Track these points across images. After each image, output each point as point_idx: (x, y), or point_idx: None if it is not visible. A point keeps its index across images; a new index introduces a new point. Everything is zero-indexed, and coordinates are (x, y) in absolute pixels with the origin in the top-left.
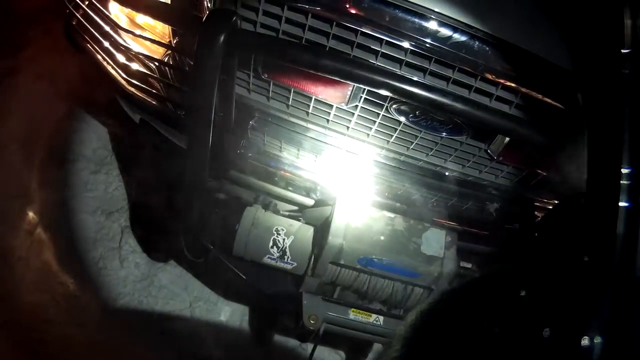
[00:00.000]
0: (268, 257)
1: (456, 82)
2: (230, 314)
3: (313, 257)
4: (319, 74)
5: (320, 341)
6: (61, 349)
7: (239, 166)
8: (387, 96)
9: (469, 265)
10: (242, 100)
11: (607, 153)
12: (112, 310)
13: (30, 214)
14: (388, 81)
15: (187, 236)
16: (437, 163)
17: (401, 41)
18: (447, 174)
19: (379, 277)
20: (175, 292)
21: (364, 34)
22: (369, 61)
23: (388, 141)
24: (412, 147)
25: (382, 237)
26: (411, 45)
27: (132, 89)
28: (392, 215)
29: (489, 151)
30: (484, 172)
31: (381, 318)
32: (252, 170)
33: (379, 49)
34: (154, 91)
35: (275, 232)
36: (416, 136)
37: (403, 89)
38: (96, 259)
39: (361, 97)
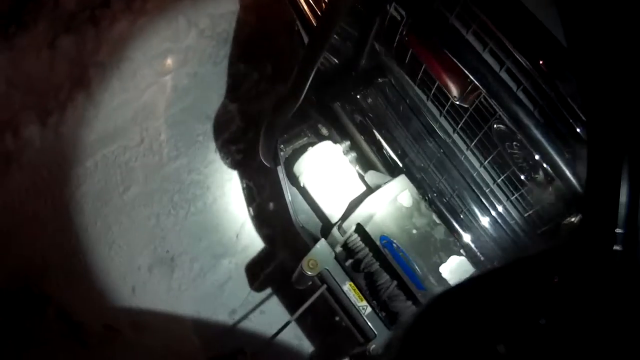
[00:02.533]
0: (316, 190)
1: None
2: None
3: (346, 212)
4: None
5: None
6: None
7: (347, 106)
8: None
9: None
10: (378, 54)
11: None
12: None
13: None
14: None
15: (267, 138)
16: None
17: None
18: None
19: (388, 272)
20: None
21: None
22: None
23: (481, 163)
24: (498, 180)
25: (414, 231)
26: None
27: None
28: (438, 220)
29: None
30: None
31: (368, 309)
32: (354, 118)
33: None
34: None
35: (336, 172)
36: (504, 171)
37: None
38: None
39: (475, 102)
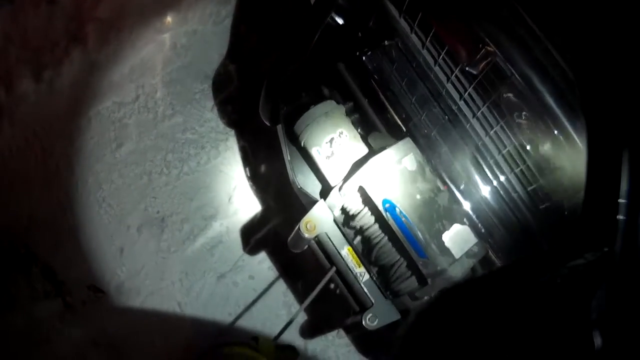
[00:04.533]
0: (317, 149)
1: None
2: None
3: (348, 173)
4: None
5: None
6: None
7: (351, 67)
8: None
9: None
10: (389, 18)
11: None
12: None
13: None
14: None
15: (268, 94)
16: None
17: None
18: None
19: (389, 237)
20: None
21: None
22: None
23: (487, 132)
24: (503, 151)
25: (418, 197)
26: None
27: None
28: (442, 187)
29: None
30: None
31: (366, 276)
32: (359, 80)
33: None
34: None
35: (338, 133)
36: (512, 142)
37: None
38: None
39: (484, 68)
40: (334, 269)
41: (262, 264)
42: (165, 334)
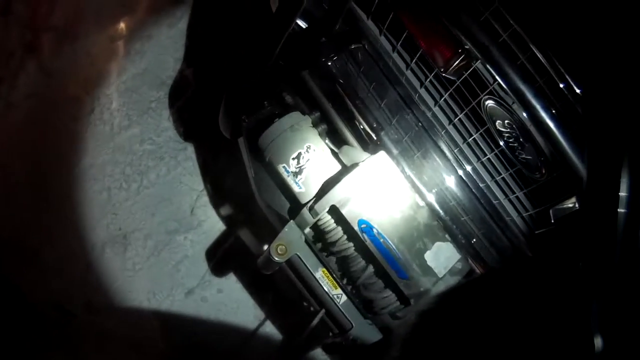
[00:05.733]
0: (283, 167)
1: None
2: None
3: (320, 192)
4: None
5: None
6: None
7: (316, 73)
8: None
9: None
10: (356, 20)
11: None
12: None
13: None
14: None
15: (228, 107)
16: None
17: None
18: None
19: (365, 257)
20: None
21: None
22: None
23: (464, 140)
24: (483, 159)
25: (397, 215)
26: None
27: None
28: (421, 203)
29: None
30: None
31: (344, 298)
32: (325, 87)
33: None
34: None
35: (305, 148)
36: (492, 150)
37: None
38: None
39: (464, 74)
40: (323, 311)
41: (230, 277)
42: (137, 354)
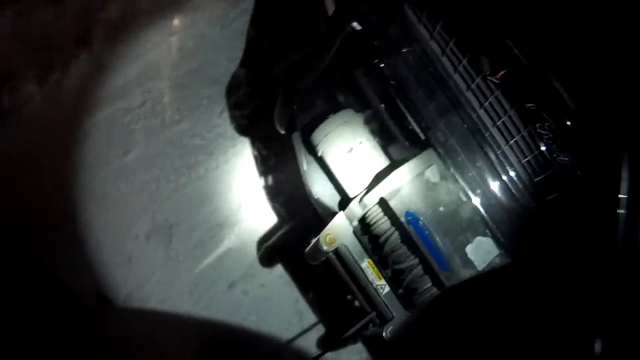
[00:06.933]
0: (335, 160)
1: None
2: None
3: (369, 185)
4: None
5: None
6: None
7: (369, 74)
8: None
9: None
10: (408, 24)
11: None
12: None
13: None
14: None
15: (284, 102)
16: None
17: None
18: None
19: (411, 250)
20: None
21: None
22: None
23: (507, 142)
24: (523, 161)
25: (441, 209)
26: None
27: None
28: (464, 198)
29: None
30: None
31: (387, 289)
32: (377, 87)
33: None
34: None
35: (357, 143)
36: (532, 152)
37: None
38: None
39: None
40: (373, 313)
41: (273, 272)
42: (176, 344)
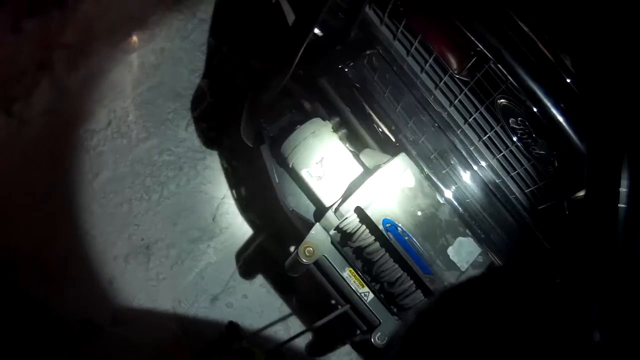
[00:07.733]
0: (307, 171)
1: None
2: None
3: (345, 194)
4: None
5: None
6: None
7: (334, 80)
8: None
9: None
10: (370, 26)
11: None
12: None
13: None
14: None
15: (250, 115)
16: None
17: None
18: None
19: (392, 256)
20: None
21: None
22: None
23: (480, 138)
24: (498, 156)
25: (419, 213)
26: None
27: None
28: (441, 200)
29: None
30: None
31: (371, 296)
32: (343, 93)
33: None
34: None
35: (328, 152)
36: (507, 146)
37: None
38: None
39: (476, 74)
40: (347, 306)
41: (254, 282)
42: None
